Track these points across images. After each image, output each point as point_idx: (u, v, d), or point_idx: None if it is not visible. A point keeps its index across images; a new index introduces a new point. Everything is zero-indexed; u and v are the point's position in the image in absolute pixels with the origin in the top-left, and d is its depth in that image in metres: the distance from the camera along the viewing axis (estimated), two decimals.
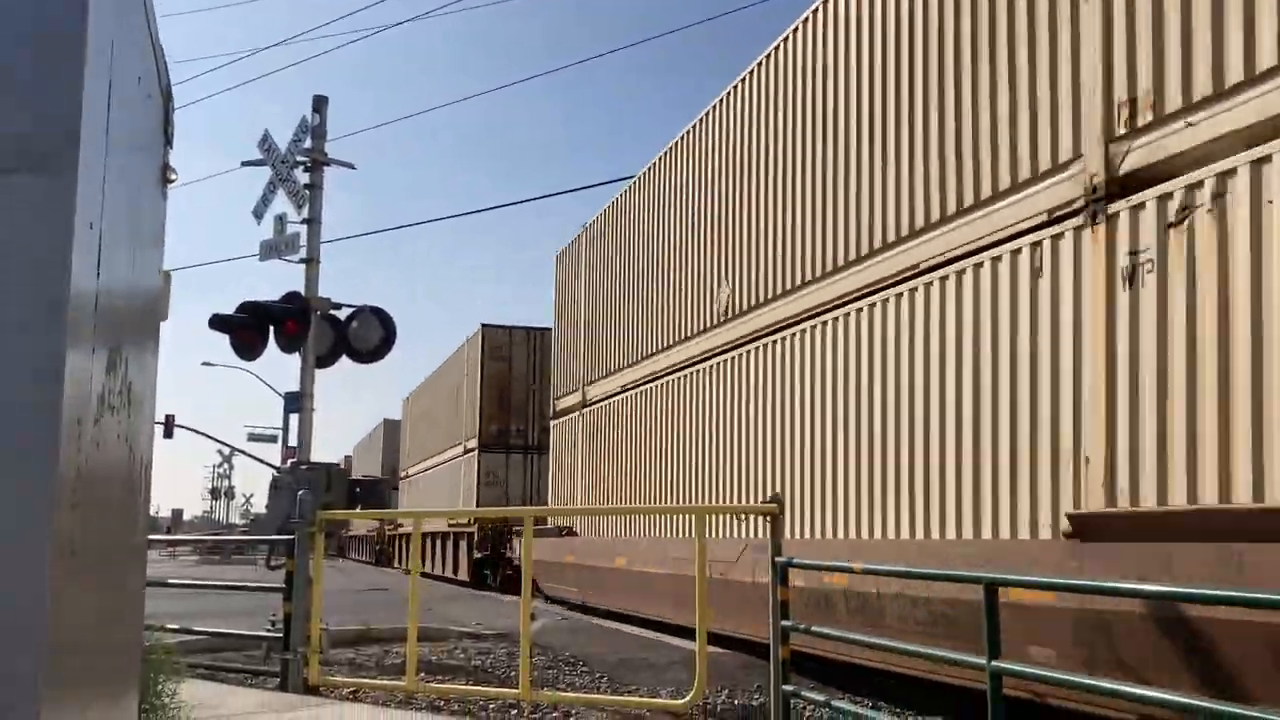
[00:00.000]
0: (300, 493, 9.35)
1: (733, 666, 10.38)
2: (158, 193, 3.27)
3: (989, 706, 5.13)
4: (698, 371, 12.95)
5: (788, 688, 6.92)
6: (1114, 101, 6.46)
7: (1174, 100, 6.04)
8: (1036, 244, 6.95)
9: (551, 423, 20.45)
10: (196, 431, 47.40)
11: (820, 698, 7.03)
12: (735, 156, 12.09)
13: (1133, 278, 6.18)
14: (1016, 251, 7.13)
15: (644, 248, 15.55)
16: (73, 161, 1.67)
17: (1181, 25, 6.00)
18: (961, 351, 7.62)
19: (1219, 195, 5.68)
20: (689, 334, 13.37)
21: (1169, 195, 5.96)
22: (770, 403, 10.74)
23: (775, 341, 10.71)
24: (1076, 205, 6.65)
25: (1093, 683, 4.82)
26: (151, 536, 13.83)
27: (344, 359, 11.17)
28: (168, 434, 39.40)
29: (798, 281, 10.33)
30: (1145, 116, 6.22)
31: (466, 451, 28.97)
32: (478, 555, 25.50)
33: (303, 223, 11.40)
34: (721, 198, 12.45)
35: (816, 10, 10.19)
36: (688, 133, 13.71)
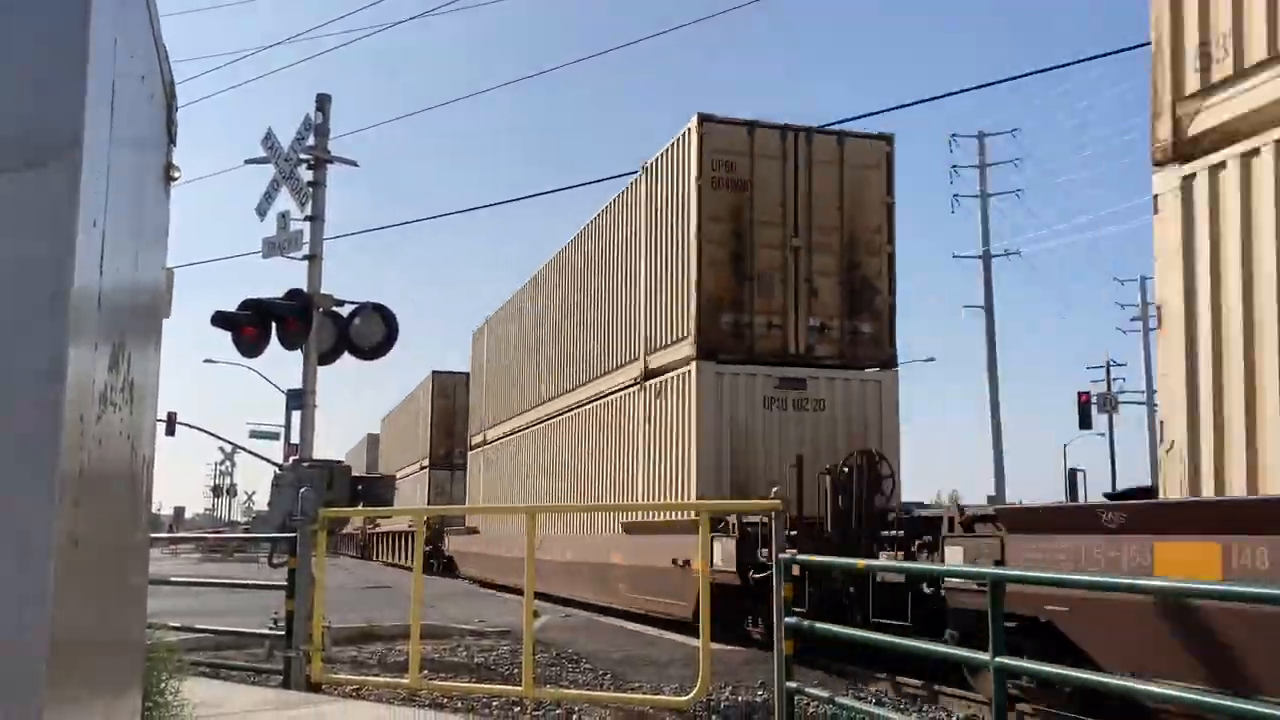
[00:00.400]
0: (303, 490, 9.35)
1: (736, 663, 10.40)
2: (161, 191, 3.27)
3: (993, 700, 5.13)
4: (529, 433, 21.79)
5: (791, 684, 6.92)
6: (646, 339, 15.05)
7: (660, 341, 14.67)
8: (628, 393, 15.72)
9: (469, 453, 29.11)
10: (199, 429, 47.42)
11: (824, 694, 7.04)
12: (547, 301, 21.31)
13: (651, 416, 14.69)
14: (624, 395, 15.96)
15: (511, 342, 24.45)
16: (76, 160, 1.67)
17: (664, 313, 14.73)
18: (608, 443, 16.71)
19: (664, 388, 14.42)
20: (525, 407, 22.22)
21: (658, 383, 14.48)
22: (549, 459, 20.28)
23: (558, 422, 19.65)
24: (636, 378, 15.34)
25: (1097, 679, 4.82)
26: (154, 534, 13.83)
27: (346, 356, 11.17)
28: (170, 431, 39.47)
29: (559, 389, 19.77)
30: (653, 347, 14.85)
31: (422, 468, 36.95)
32: (426, 549, 30.29)
33: (306, 220, 11.40)
34: (543, 321, 21.49)
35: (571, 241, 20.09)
36: (543, 268, 22.02)
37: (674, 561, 12.67)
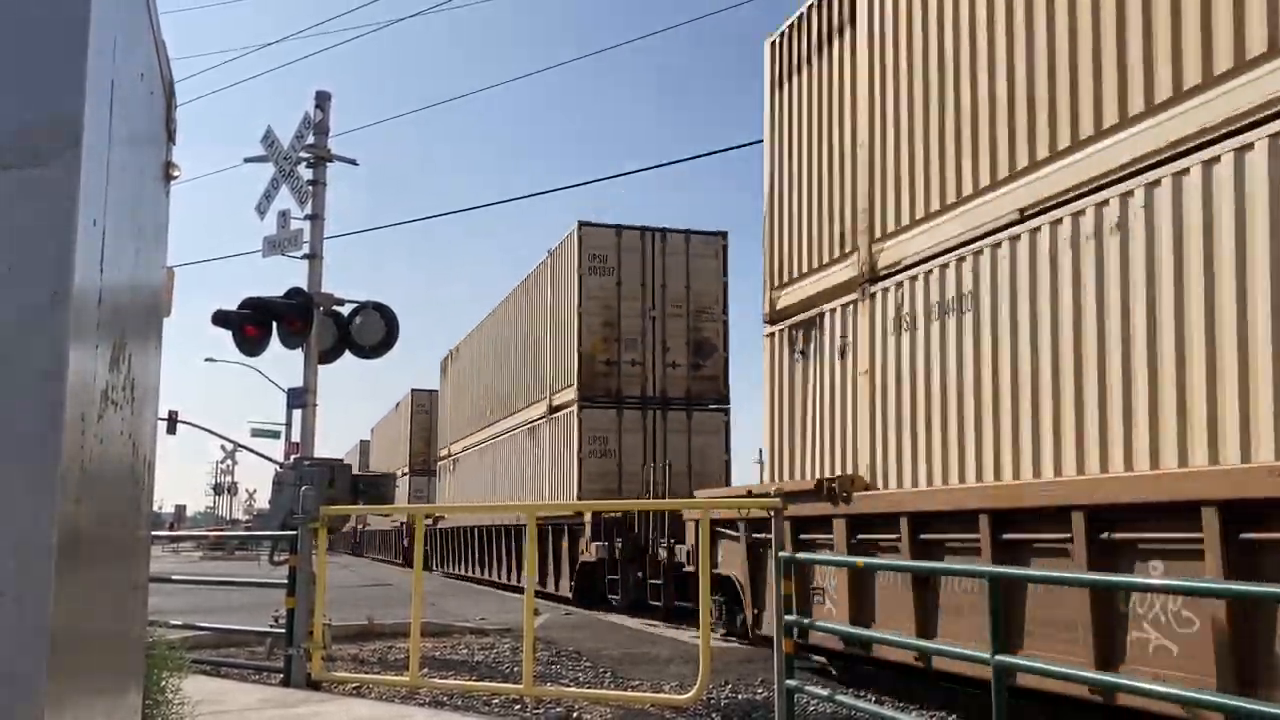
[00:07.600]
0: (303, 488, 9.35)
1: (736, 661, 10.40)
2: (160, 189, 3.27)
3: (993, 698, 5.13)
4: (482, 448, 27.05)
5: (792, 682, 6.92)
6: (549, 383, 19.31)
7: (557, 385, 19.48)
8: (542, 421, 21.65)
9: (438, 463, 32.06)
10: (200, 427, 47.49)
11: (824, 692, 7.04)
12: (497, 335, 25.97)
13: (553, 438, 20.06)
14: (540, 423, 21.68)
15: (467, 373, 28.99)
16: (76, 157, 1.67)
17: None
18: (532, 458, 22.38)
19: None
20: (478, 428, 27.24)
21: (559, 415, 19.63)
22: (494, 469, 25.89)
23: (500, 440, 24.95)
24: (544, 413, 21.28)
25: (1099, 677, 4.82)
26: (155, 532, 13.83)
27: (347, 354, 11.16)
28: (171, 430, 39.47)
29: (500, 415, 25.01)
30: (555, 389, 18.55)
31: (403, 474, 37.24)
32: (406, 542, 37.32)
33: (306, 219, 11.38)
34: (490, 355, 26.90)
35: None
36: (496, 308, 26.35)
37: None
